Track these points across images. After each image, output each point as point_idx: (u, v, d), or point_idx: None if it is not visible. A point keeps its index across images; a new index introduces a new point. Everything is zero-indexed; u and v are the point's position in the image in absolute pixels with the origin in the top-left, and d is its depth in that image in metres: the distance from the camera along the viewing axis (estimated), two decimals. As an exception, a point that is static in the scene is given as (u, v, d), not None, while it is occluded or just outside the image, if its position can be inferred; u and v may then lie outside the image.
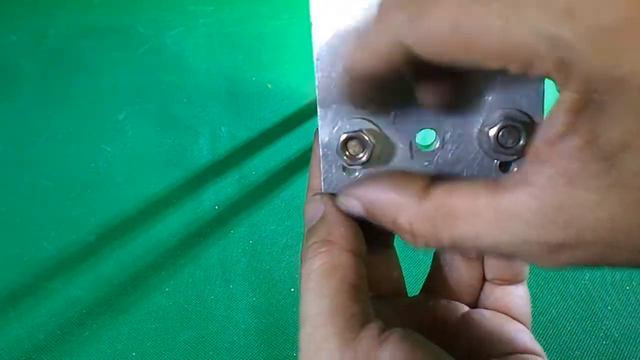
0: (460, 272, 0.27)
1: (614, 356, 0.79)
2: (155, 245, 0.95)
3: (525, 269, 0.27)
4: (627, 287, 0.87)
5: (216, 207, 1.02)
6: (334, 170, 0.25)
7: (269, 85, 1.35)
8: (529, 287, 0.27)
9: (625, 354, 0.79)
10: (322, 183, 0.26)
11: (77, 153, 1.14)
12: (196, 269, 0.91)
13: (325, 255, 0.22)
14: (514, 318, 0.26)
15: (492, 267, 0.26)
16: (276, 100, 1.28)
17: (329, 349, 0.20)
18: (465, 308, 0.27)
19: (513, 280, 0.26)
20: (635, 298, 0.86)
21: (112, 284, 0.89)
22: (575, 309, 0.84)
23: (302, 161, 1.11)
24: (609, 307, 0.84)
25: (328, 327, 0.20)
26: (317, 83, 0.25)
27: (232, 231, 0.98)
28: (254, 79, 1.37)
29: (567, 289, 0.87)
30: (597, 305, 0.85)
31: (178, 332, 0.83)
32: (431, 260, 0.28)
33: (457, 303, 0.27)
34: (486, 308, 0.27)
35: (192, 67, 1.41)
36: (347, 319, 0.20)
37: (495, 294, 0.26)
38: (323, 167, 0.25)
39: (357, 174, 0.25)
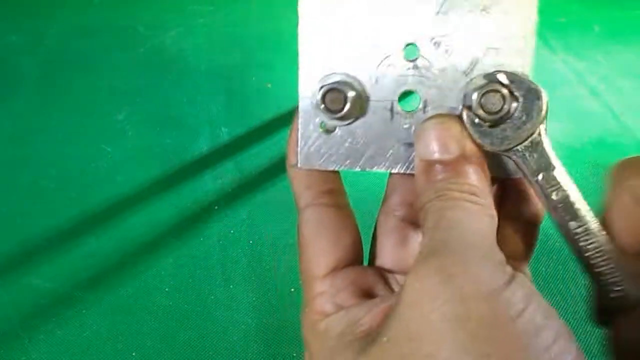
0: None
1: (614, 356, 0.79)
2: (154, 245, 0.95)
3: None
4: (627, 287, 0.87)
5: (216, 208, 1.02)
6: (311, 128, 0.24)
7: (269, 85, 1.35)
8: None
9: (625, 354, 0.79)
10: (299, 141, 0.24)
11: (77, 153, 1.14)
12: (196, 269, 0.91)
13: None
14: None
15: None
16: (276, 100, 1.28)
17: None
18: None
19: None
20: (635, 298, 0.86)
21: (112, 284, 0.89)
22: (575, 309, 0.84)
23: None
24: (609, 307, 0.84)
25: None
26: (300, 34, 0.23)
27: (232, 231, 0.98)
28: (254, 79, 1.37)
29: (567, 289, 0.87)
30: (597, 305, 0.85)
31: (178, 332, 0.83)
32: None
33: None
34: None
35: (192, 67, 1.41)
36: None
37: None
38: (301, 125, 0.24)
39: (337, 131, 0.24)
